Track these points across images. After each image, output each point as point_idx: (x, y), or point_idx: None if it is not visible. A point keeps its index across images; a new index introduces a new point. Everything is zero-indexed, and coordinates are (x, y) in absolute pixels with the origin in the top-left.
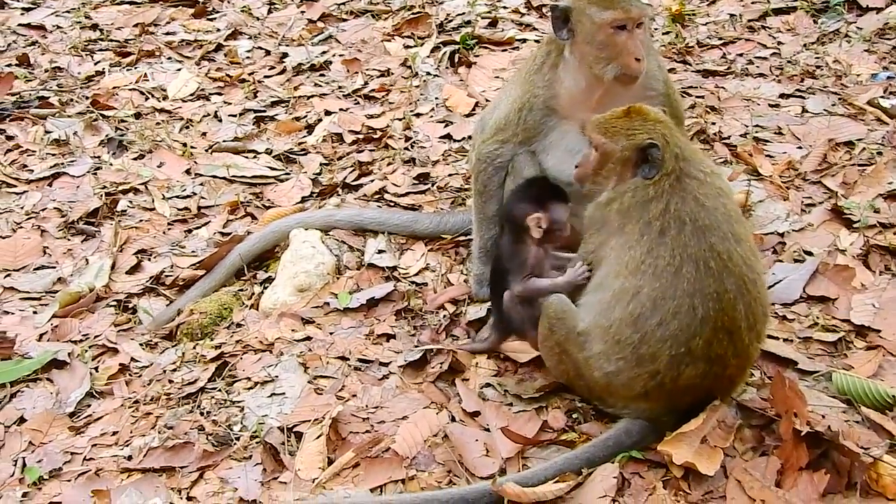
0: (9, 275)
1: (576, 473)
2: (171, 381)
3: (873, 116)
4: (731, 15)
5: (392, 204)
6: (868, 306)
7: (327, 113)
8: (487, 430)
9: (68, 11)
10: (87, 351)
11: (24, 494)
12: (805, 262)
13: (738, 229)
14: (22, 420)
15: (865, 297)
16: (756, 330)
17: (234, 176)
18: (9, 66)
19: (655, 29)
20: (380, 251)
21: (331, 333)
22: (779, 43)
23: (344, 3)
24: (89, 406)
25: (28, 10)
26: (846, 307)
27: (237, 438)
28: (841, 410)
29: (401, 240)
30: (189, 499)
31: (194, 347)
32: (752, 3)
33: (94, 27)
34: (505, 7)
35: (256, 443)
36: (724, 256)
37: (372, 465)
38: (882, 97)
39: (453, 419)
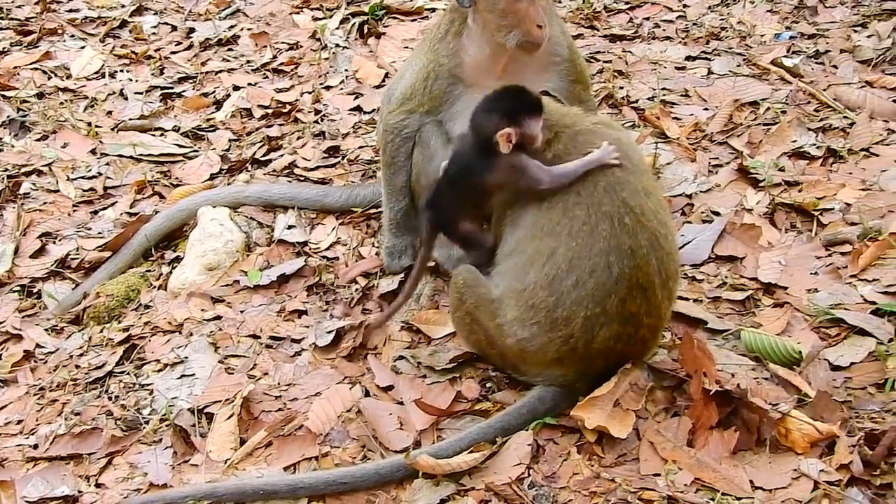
0: None
1: (490, 443)
2: (77, 367)
3: (777, 76)
4: None
5: (302, 178)
6: (775, 264)
7: (235, 88)
8: (401, 403)
9: None
10: None
11: None
12: (713, 222)
13: (646, 183)
14: None
15: (772, 255)
16: (668, 287)
17: (140, 155)
18: None
19: None
20: (290, 227)
21: (241, 312)
22: (684, 6)
23: None
24: None
25: None
26: (754, 266)
27: (146, 422)
28: (750, 368)
29: (311, 214)
30: (98, 486)
31: (101, 331)
32: None
33: None
34: None
35: (166, 426)
36: (636, 211)
37: (284, 444)
38: (785, 56)
39: (367, 394)
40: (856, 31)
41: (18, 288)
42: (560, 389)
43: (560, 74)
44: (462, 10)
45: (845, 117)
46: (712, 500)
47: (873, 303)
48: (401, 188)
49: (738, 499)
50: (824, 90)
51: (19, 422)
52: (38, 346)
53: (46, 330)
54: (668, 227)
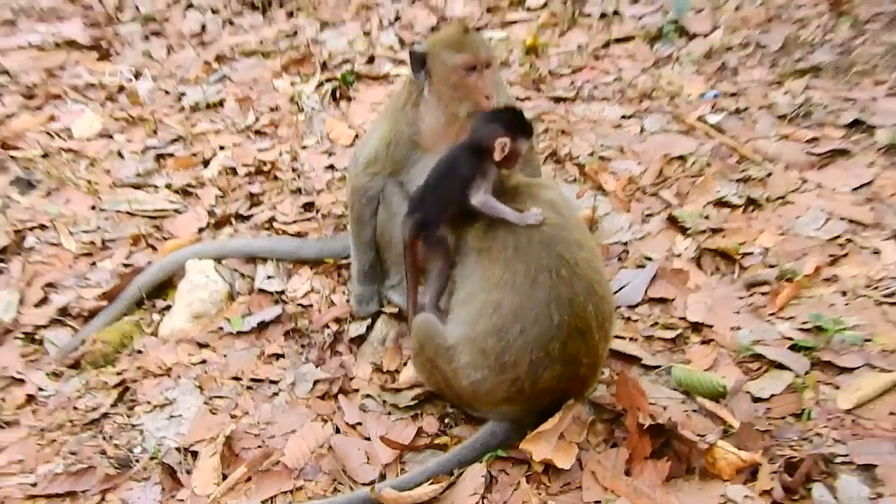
0: None
1: (448, 474)
2: (75, 409)
3: (702, 132)
4: (579, 45)
5: (280, 232)
6: (702, 304)
7: (221, 148)
8: (368, 439)
9: None
10: None
11: None
12: (646, 267)
13: (578, 236)
14: None
15: (699, 297)
16: (604, 328)
17: (135, 210)
18: None
19: (512, 61)
20: (269, 277)
21: (225, 356)
22: (620, 69)
23: (237, 45)
24: None
25: None
26: (683, 306)
27: (137, 461)
28: (681, 401)
29: (288, 265)
30: None
31: (97, 375)
32: (597, 34)
33: (4, 72)
34: (381, 44)
35: (155, 464)
36: (571, 263)
37: (263, 479)
38: (710, 113)
39: (337, 430)
40: (772, 89)
41: (22, 335)
42: (510, 424)
43: None
44: (419, 82)
45: (763, 168)
46: None
47: (790, 339)
48: (367, 242)
49: None
50: (745, 143)
51: (20, 461)
52: (39, 389)
53: (47, 374)
54: (601, 274)
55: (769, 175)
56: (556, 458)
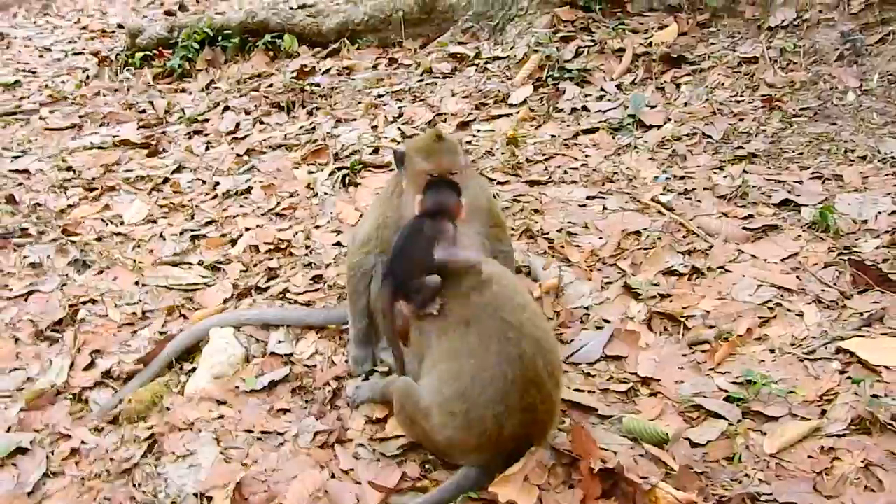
0: None
1: None
2: (111, 460)
3: (655, 210)
4: (553, 136)
5: (291, 301)
6: (651, 361)
7: (247, 229)
8: (359, 483)
9: (49, 157)
10: (45, 438)
11: None
12: (603, 329)
13: (520, 300)
14: None
15: (649, 354)
16: (555, 376)
17: (172, 284)
18: None
19: (496, 150)
20: (279, 341)
21: (239, 411)
22: (586, 156)
23: (264, 140)
24: (45, 485)
25: (17, 157)
26: (635, 363)
27: None
28: (629, 447)
29: (297, 331)
30: None
31: (131, 430)
32: (568, 126)
33: (69, 168)
34: (385, 137)
35: None
36: (516, 325)
37: None
38: (662, 194)
39: (333, 476)
40: (715, 173)
41: (71, 396)
42: (481, 469)
43: (482, 221)
44: (400, 176)
45: (706, 241)
46: None
47: (725, 391)
48: (362, 310)
49: None
50: (691, 220)
51: None
52: (82, 443)
53: (90, 430)
54: (545, 330)
55: (711, 247)
56: (519, 499)
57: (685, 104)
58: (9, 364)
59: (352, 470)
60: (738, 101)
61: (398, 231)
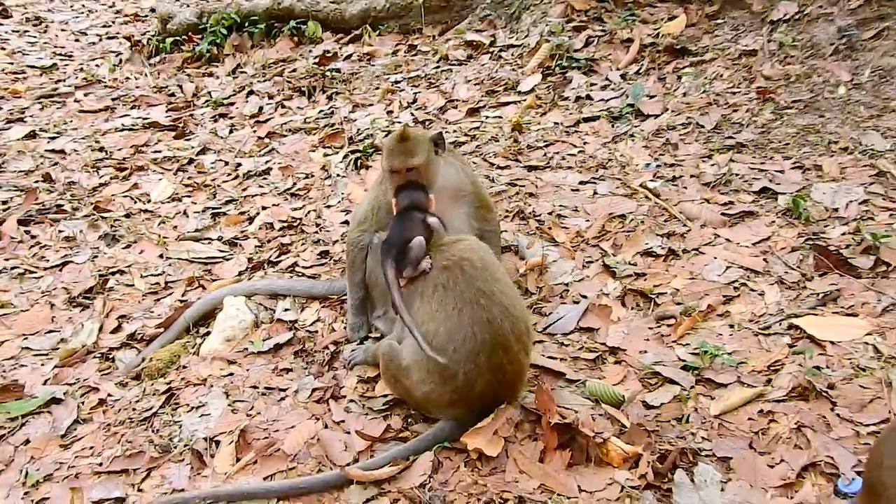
0: (26, 338)
1: (405, 459)
2: (134, 410)
3: (643, 195)
4: (555, 123)
5: (299, 274)
6: (620, 333)
7: (264, 208)
8: (349, 433)
9: (83, 138)
10: (77, 391)
11: (26, 493)
12: (580, 303)
13: (493, 272)
14: (27, 442)
15: (619, 327)
16: (522, 341)
17: (193, 258)
18: (36, 182)
19: (501, 136)
20: (286, 309)
21: (247, 370)
22: (585, 143)
23: (285, 124)
24: (76, 430)
25: (53, 138)
26: (605, 334)
27: (175, 447)
28: (590, 407)
29: (302, 301)
30: (139, 490)
31: (152, 384)
32: (571, 114)
33: (101, 149)
34: (399, 122)
35: (188, 450)
36: (488, 293)
37: (266, 461)
38: (651, 180)
39: (326, 426)
40: (703, 161)
41: (100, 355)
42: (456, 423)
43: (468, 203)
44: None
45: (685, 225)
46: (550, 499)
47: (683, 360)
48: (358, 283)
49: (569, 498)
50: (675, 205)
51: (91, 448)
52: (109, 395)
53: (116, 384)
54: (514, 299)
55: (688, 231)
56: (486, 448)
57: (684, 94)
58: (45, 326)
59: (342, 422)
60: (735, 93)
61: (390, 222)
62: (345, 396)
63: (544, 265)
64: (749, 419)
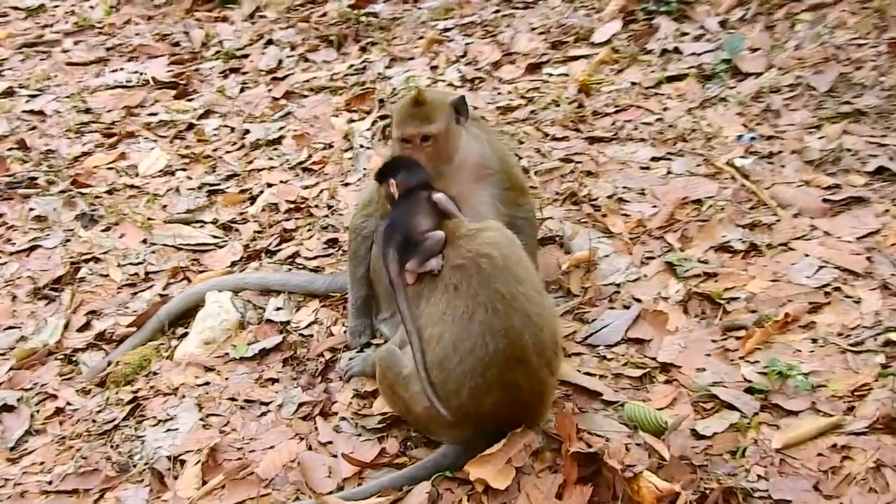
0: None
1: (398, 490)
2: (94, 421)
3: (729, 175)
4: (633, 83)
5: (301, 266)
6: (676, 346)
7: (269, 185)
8: (336, 456)
9: (68, 97)
10: (32, 398)
11: None
12: (631, 308)
13: (518, 272)
14: None
15: (675, 339)
16: (545, 356)
17: (181, 244)
18: (9, 150)
19: (565, 98)
20: (277, 308)
21: (226, 378)
22: (665, 109)
23: (307, 81)
24: (27, 442)
25: (33, 96)
26: (658, 347)
27: (135, 466)
28: (627, 435)
29: (299, 298)
30: None
31: (116, 392)
32: (652, 72)
33: (88, 110)
34: (443, 81)
35: (149, 469)
36: (508, 298)
37: (236, 486)
38: (741, 157)
39: (310, 448)
40: (810, 133)
41: (62, 357)
42: (461, 448)
43: (494, 184)
44: None
45: (774, 214)
46: None
47: (749, 381)
48: (361, 278)
49: None
50: (766, 188)
51: (41, 463)
52: (68, 404)
53: (77, 391)
54: (542, 307)
55: (777, 221)
56: (493, 480)
57: (796, 47)
58: (4, 322)
59: (330, 443)
60: (860, 45)
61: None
62: (336, 413)
63: (592, 261)
64: (819, 455)
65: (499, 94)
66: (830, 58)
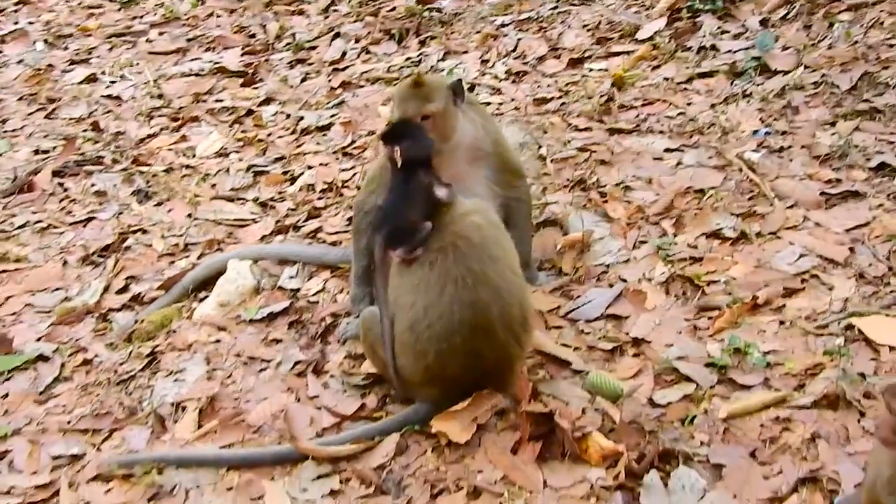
0: (33, 294)
1: (370, 439)
2: (115, 372)
3: (736, 168)
4: (666, 78)
5: (322, 241)
6: (651, 323)
7: (310, 167)
8: (320, 408)
9: (144, 83)
10: (66, 350)
11: None
12: (614, 287)
13: (494, 251)
14: (6, 396)
15: (651, 316)
16: (512, 329)
17: (221, 219)
18: (84, 131)
19: (598, 91)
20: (290, 277)
21: (235, 338)
22: (688, 104)
23: (366, 72)
24: (55, 388)
25: (113, 82)
26: (633, 324)
27: (142, 410)
28: (587, 400)
29: (313, 268)
30: (98, 449)
31: (138, 347)
32: (686, 68)
33: (160, 96)
34: (490, 73)
35: (153, 414)
36: (479, 274)
37: (227, 430)
38: (753, 151)
39: (298, 400)
40: (823, 130)
41: (98, 315)
42: (432, 406)
43: (489, 165)
44: None
45: (771, 205)
46: (508, 492)
47: (712, 357)
48: (362, 249)
49: (530, 492)
50: (770, 181)
51: (64, 406)
52: (95, 356)
53: (106, 346)
54: (513, 284)
55: (771, 211)
56: (454, 434)
57: (829, 46)
58: (53, 284)
59: (317, 397)
60: (891, 46)
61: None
62: (328, 372)
63: (587, 242)
64: (761, 426)
65: (538, 86)
66: (860, 57)
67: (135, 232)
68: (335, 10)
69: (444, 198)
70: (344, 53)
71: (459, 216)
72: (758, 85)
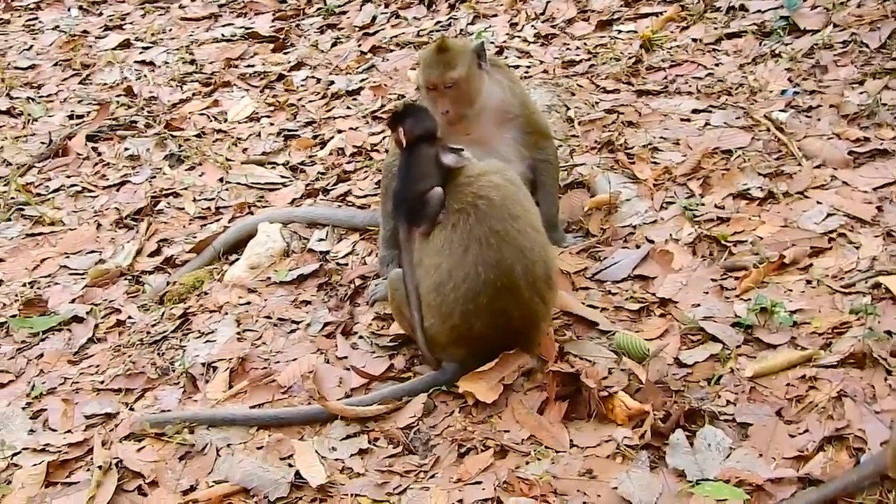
0: (68, 257)
1: (398, 399)
2: (148, 333)
3: (764, 128)
4: (694, 39)
5: (351, 204)
6: (678, 283)
7: (339, 131)
8: (349, 369)
9: (177, 49)
10: (100, 311)
11: (28, 404)
12: (640, 247)
13: (515, 210)
14: (41, 356)
15: (678, 277)
16: (537, 287)
17: (252, 183)
18: (118, 96)
19: (626, 53)
20: (320, 240)
21: (265, 300)
22: (716, 64)
23: (395, 37)
24: (89, 349)
25: (146, 48)
26: (660, 284)
27: (174, 371)
28: (614, 361)
29: (342, 231)
30: (131, 409)
31: (171, 309)
32: (715, 28)
33: (192, 62)
34: (518, 36)
35: (185, 374)
36: (501, 233)
37: (257, 391)
38: (781, 111)
39: (327, 361)
40: (852, 88)
41: (131, 277)
42: (459, 366)
43: (516, 127)
44: None
45: (798, 164)
46: (535, 451)
47: (739, 317)
48: (390, 212)
49: (557, 451)
50: (798, 140)
51: (97, 366)
52: (129, 317)
53: (139, 307)
54: (535, 242)
55: (799, 171)
56: (481, 394)
57: (858, 5)
58: (88, 246)
59: (346, 357)
60: None
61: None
62: (356, 333)
63: (614, 204)
64: (788, 384)
65: (567, 49)
66: (889, 15)
67: (167, 195)
68: None
69: (452, 163)
70: (374, 18)
71: (476, 177)
72: (786, 44)
